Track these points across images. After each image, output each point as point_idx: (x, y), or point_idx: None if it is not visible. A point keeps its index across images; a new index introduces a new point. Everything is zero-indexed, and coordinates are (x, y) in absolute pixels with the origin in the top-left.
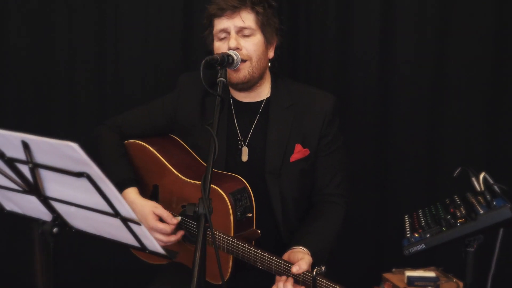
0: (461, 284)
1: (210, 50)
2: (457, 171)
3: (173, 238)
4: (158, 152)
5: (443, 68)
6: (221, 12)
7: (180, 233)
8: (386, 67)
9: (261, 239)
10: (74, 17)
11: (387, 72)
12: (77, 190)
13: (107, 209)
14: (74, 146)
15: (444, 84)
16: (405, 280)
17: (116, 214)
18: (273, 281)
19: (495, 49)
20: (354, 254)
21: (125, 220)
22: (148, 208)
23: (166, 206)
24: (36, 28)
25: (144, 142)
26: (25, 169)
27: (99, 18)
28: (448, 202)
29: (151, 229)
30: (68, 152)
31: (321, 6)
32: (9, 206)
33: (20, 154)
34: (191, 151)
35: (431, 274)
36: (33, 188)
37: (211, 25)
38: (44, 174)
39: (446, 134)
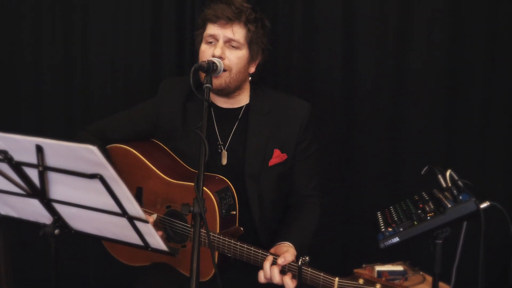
0: (427, 276)
1: (196, 49)
2: (425, 169)
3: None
4: (142, 155)
5: (403, 74)
6: (216, 19)
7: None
8: (349, 74)
9: (240, 237)
10: (44, 20)
11: (350, 78)
12: (86, 191)
13: (115, 209)
14: (94, 149)
15: (404, 89)
16: (375, 275)
17: (123, 213)
18: (255, 277)
19: (451, 55)
20: (323, 252)
21: (132, 219)
22: None
23: (151, 208)
24: (2, 31)
25: (127, 146)
26: (32, 173)
27: (67, 22)
28: (416, 198)
29: None
30: (85, 154)
31: (287, 15)
32: (4, 211)
33: (31, 158)
34: (173, 154)
35: (399, 268)
36: (38, 191)
37: (203, 27)
38: (53, 176)
39: (407, 136)
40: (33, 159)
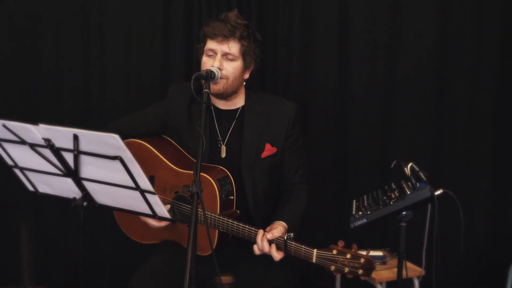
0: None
1: (198, 61)
2: (393, 163)
3: (163, 223)
4: (154, 148)
5: (393, 79)
6: (214, 36)
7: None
8: (343, 79)
9: (237, 220)
10: (61, 30)
11: (344, 83)
12: (108, 170)
13: (130, 184)
14: (116, 136)
15: (394, 93)
16: None
17: (137, 187)
18: (250, 253)
19: (438, 61)
20: (315, 239)
21: (143, 192)
22: None
23: (161, 193)
24: (23, 38)
25: (142, 140)
26: (68, 156)
27: (85, 37)
28: (386, 188)
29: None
30: (109, 141)
31: (286, 25)
32: (42, 189)
33: (68, 144)
34: (180, 148)
35: (379, 253)
36: (72, 171)
37: (204, 42)
38: (84, 159)
39: (396, 137)
40: (70, 145)
